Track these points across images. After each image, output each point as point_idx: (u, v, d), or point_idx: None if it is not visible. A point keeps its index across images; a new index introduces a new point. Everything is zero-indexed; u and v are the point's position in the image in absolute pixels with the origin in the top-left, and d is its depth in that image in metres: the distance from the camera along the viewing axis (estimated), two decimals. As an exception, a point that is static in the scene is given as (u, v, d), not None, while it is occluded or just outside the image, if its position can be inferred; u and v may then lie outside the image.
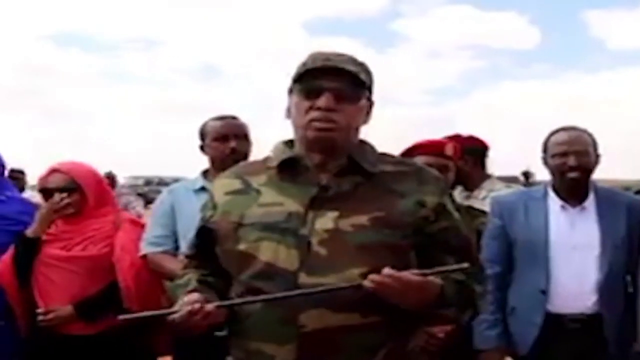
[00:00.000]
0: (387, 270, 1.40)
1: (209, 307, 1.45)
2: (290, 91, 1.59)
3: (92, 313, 2.47)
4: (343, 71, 1.52)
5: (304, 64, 1.56)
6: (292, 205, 1.52)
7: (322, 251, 1.47)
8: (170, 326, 1.50)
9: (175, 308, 1.47)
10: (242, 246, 1.53)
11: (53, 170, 2.58)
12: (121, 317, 1.57)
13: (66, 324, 2.47)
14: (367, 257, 1.47)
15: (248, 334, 1.52)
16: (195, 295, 1.49)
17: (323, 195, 1.53)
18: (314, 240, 1.48)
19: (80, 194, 2.57)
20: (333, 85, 1.51)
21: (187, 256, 1.76)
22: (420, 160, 2.34)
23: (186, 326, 1.47)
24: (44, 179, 2.60)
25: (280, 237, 1.50)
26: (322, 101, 1.51)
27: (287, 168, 1.58)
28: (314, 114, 1.52)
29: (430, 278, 1.44)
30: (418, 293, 1.43)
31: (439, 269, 1.46)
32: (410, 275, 1.41)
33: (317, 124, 1.51)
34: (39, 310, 2.47)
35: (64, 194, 2.53)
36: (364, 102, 1.57)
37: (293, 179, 1.56)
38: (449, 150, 2.60)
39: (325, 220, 1.49)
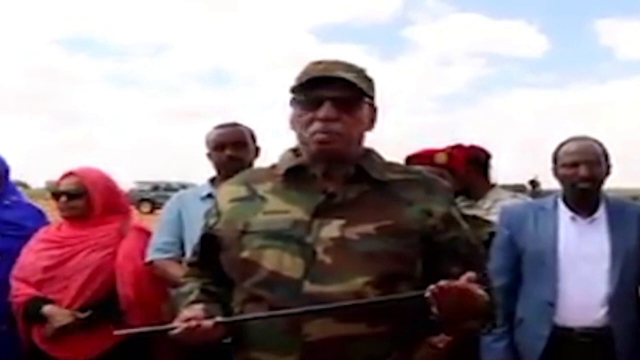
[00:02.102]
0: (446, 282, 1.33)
1: (207, 323, 1.43)
2: (291, 103, 1.58)
3: (92, 320, 2.44)
4: (342, 80, 1.50)
5: (302, 75, 1.54)
6: (298, 213, 1.51)
7: (327, 259, 1.46)
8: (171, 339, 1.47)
9: (175, 323, 1.45)
10: (245, 254, 1.51)
11: (67, 174, 2.62)
12: (117, 332, 1.52)
13: (72, 331, 2.43)
14: (372, 265, 1.45)
15: (250, 343, 1.50)
16: (194, 310, 1.47)
17: (329, 203, 1.51)
18: (319, 249, 1.46)
19: (87, 199, 2.58)
20: (333, 95, 1.49)
21: (189, 263, 1.73)
22: None
23: (185, 342, 1.44)
24: (57, 181, 2.63)
25: (285, 244, 1.48)
26: (322, 112, 1.49)
27: (294, 176, 1.56)
28: (315, 125, 1.50)
29: (477, 286, 1.37)
30: (472, 301, 1.36)
31: (394, 297, 1.42)
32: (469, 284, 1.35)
33: (319, 137, 1.50)
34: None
35: (64, 198, 2.55)
36: (365, 109, 1.55)
37: (299, 186, 1.55)
38: (440, 159, 2.58)
39: (331, 229, 1.48)
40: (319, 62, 1.56)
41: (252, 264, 1.50)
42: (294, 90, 1.54)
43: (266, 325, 1.46)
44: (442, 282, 1.33)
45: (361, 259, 1.45)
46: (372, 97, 1.57)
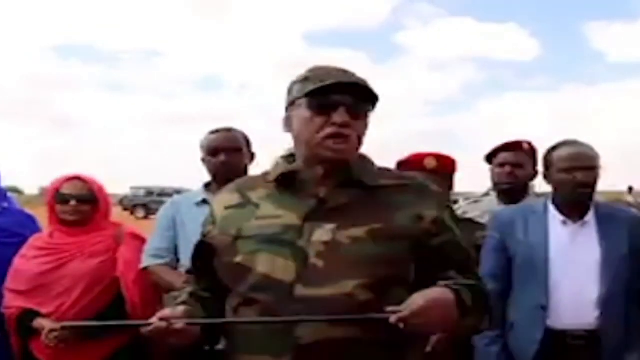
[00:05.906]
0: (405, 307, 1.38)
1: (178, 324, 1.45)
2: (291, 105, 1.58)
3: (99, 330, 2.40)
4: (356, 86, 1.52)
5: (314, 79, 1.53)
6: (290, 218, 1.52)
7: (319, 263, 1.47)
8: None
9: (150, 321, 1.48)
10: (239, 258, 1.53)
11: (72, 178, 2.57)
12: (65, 324, 1.53)
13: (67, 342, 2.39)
14: (364, 269, 1.47)
15: (243, 347, 1.52)
16: (172, 311, 1.50)
17: (320, 207, 1.53)
18: (311, 252, 1.48)
19: (94, 206, 2.56)
20: (348, 100, 1.51)
21: (187, 271, 1.76)
22: None
23: (158, 341, 1.48)
24: (58, 184, 2.56)
25: (277, 248, 1.50)
26: (338, 116, 1.49)
27: (286, 182, 1.58)
28: (329, 129, 1.50)
29: (440, 288, 1.43)
30: (441, 310, 1.40)
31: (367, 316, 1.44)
32: (422, 296, 1.40)
33: (335, 141, 1.50)
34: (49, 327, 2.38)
35: (74, 202, 2.51)
36: (368, 116, 1.57)
37: (291, 192, 1.57)
38: (429, 164, 2.56)
39: (323, 233, 1.49)
40: (329, 68, 1.57)
41: (245, 267, 1.51)
42: (307, 94, 1.52)
43: (258, 328, 1.48)
44: (393, 318, 1.38)
45: (352, 262, 1.47)
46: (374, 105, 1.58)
